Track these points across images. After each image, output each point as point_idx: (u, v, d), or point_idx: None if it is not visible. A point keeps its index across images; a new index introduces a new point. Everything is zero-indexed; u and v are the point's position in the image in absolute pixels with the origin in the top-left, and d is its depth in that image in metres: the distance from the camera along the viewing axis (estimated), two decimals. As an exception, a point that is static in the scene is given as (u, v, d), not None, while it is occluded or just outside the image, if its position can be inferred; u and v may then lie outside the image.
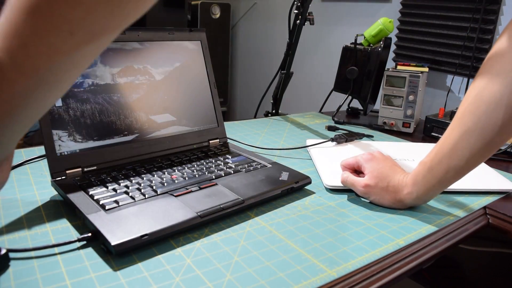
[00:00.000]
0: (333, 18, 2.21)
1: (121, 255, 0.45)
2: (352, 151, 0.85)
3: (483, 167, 0.78)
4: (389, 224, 0.56)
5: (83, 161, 0.61)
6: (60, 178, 0.58)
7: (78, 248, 0.46)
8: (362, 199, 0.64)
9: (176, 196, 0.56)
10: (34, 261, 0.43)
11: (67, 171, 0.59)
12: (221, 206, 0.54)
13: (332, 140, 0.88)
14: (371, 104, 1.16)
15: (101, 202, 0.52)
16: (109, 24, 0.28)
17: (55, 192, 0.59)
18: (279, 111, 1.24)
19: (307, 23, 1.12)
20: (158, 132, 0.70)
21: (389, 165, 0.62)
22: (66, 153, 0.59)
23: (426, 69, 1.10)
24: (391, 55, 1.78)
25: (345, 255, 0.48)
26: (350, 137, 0.91)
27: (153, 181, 0.59)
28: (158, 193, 0.56)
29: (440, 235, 0.55)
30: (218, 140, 0.78)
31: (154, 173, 0.62)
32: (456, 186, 0.61)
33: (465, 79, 1.57)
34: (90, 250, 0.46)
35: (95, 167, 0.62)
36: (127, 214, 0.50)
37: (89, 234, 0.47)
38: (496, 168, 0.80)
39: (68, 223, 0.52)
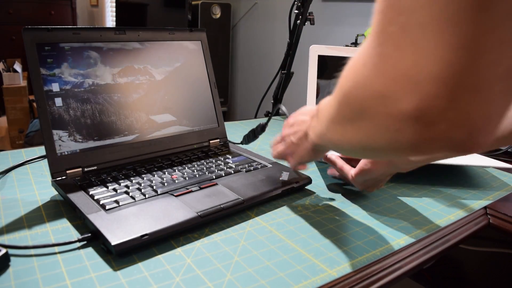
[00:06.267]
0: (333, 18, 2.21)
1: (121, 255, 0.45)
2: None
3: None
4: (390, 224, 0.56)
5: (84, 161, 0.61)
6: (60, 178, 0.58)
7: (78, 248, 0.46)
8: (362, 199, 0.64)
9: (176, 196, 0.56)
10: (34, 261, 0.43)
11: (68, 171, 0.59)
12: (222, 206, 0.54)
13: None
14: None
15: (101, 202, 0.52)
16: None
17: (56, 192, 0.60)
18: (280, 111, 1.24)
19: (307, 23, 1.12)
20: (158, 132, 0.70)
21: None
22: (66, 153, 0.59)
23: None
24: (392, 55, 1.77)
25: (345, 255, 0.48)
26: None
27: (154, 181, 0.59)
28: (159, 193, 0.56)
29: (440, 235, 0.55)
30: (218, 140, 0.78)
31: (154, 173, 0.62)
32: (448, 161, 0.65)
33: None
34: (90, 250, 0.46)
35: (95, 167, 0.62)
36: (127, 214, 0.50)
37: (89, 234, 0.47)
38: (495, 168, 0.80)
39: (68, 223, 0.52)
